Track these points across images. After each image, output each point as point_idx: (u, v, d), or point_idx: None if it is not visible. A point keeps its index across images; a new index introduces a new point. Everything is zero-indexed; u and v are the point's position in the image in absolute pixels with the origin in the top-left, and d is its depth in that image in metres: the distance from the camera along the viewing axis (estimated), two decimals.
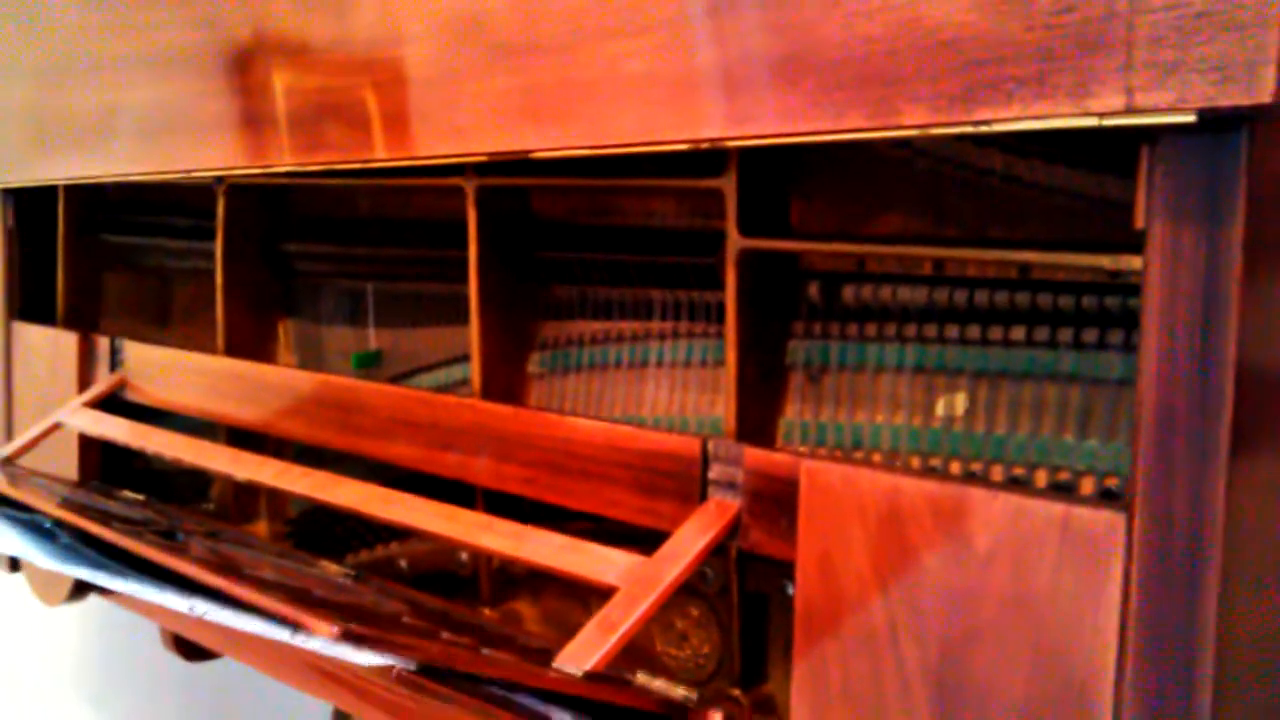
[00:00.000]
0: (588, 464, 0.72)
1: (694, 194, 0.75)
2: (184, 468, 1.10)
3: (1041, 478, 0.60)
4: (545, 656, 0.63)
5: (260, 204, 1.05)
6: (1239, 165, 0.46)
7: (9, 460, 1.09)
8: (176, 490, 1.17)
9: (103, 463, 1.17)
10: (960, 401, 0.64)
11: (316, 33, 0.83)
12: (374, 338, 1.00)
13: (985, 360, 0.63)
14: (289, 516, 1.07)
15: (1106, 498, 0.58)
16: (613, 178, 0.76)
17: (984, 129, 0.50)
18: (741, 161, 0.68)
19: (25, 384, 1.25)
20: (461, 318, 0.86)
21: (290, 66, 0.85)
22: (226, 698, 1.59)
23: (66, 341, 1.18)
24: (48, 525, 0.85)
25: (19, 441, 1.12)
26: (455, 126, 0.74)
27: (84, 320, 1.24)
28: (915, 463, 0.65)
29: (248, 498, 1.09)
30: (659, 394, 0.78)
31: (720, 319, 0.73)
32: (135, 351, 1.11)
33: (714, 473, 0.66)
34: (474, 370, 0.84)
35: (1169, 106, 0.45)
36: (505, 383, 0.85)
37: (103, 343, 1.14)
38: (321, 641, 0.59)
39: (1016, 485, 0.61)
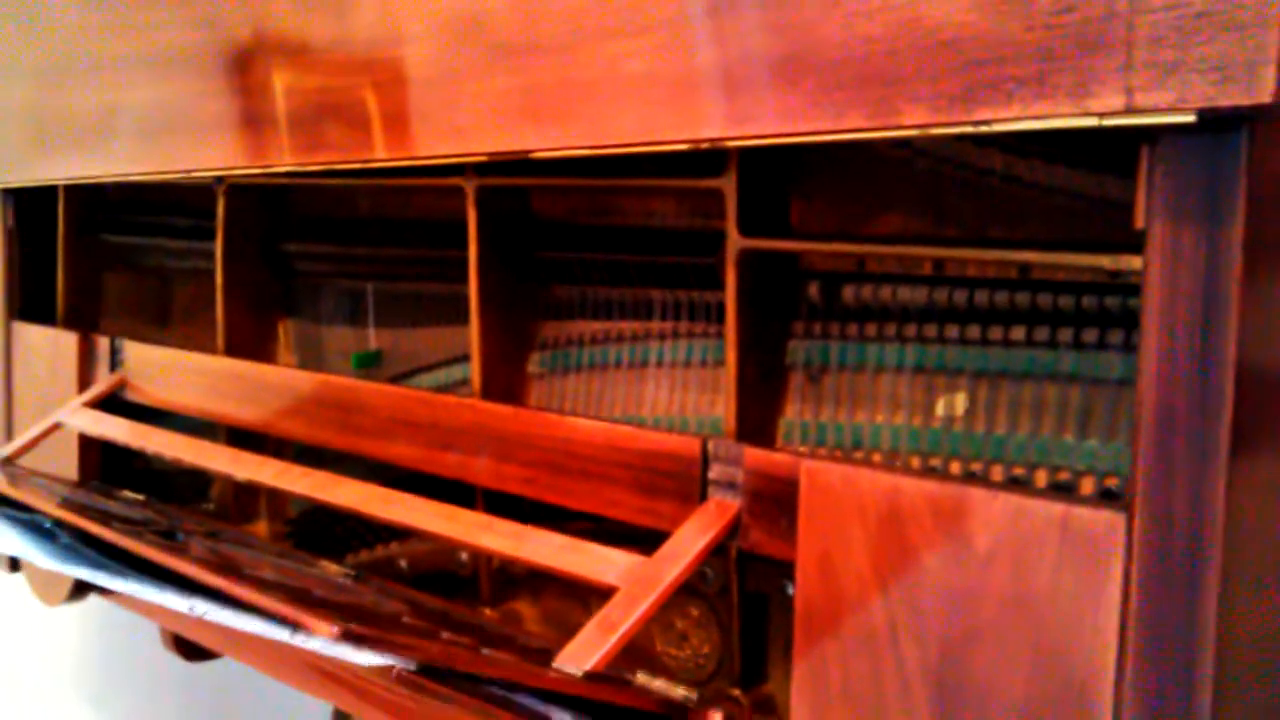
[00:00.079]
0: (588, 464, 0.72)
1: (694, 194, 0.75)
2: (184, 468, 1.10)
3: (1041, 478, 0.60)
4: (545, 656, 0.63)
5: (260, 204, 1.05)
6: (1239, 165, 0.46)
7: (9, 460, 1.09)
8: (176, 490, 1.17)
9: (103, 463, 1.17)
10: (960, 401, 0.64)
11: (316, 33, 0.83)
12: (374, 338, 1.00)
13: (985, 360, 0.63)
14: (289, 516, 1.07)
15: (1106, 498, 0.58)
16: (613, 178, 0.76)
17: (984, 129, 0.50)
18: (741, 161, 0.68)
19: (25, 384, 1.25)
20: (461, 318, 0.86)
21: (290, 66, 0.85)
22: (226, 698, 1.59)
23: (66, 341, 1.18)
24: (48, 525, 0.85)
25: (19, 441, 1.12)
26: (455, 126, 0.74)
27: (84, 320, 1.24)
28: (915, 463, 0.65)
29: (248, 498, 1.09)
30: (659, 394, 0.78)
31: (720, 319, 0.73)
32: (135, 351, 1.11)
33: (714, 473, 0.66)
34: (474, 370, 0.84)
35: (1169, 106, 0.45)
36: (505, 383, 0.85)
37: (103, 343, 1.14)
38: (321, 641, 0.59)
39: (1016, 485, 0.61)
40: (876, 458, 0.67)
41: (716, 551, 0.66)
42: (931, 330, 0.65)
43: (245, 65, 0.89)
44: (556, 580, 0.83)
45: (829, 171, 0.69)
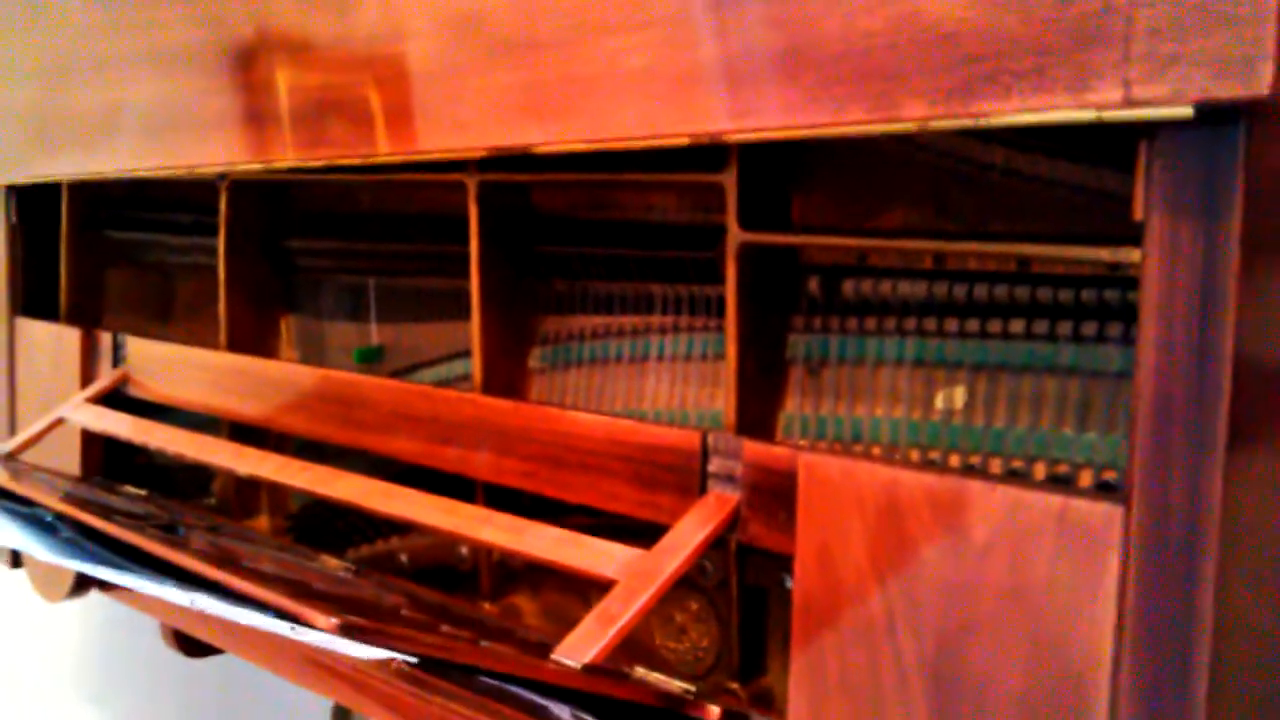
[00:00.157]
0: (587, 457, 0.72)
1: (695, 189, 0.76)
2: (186, 463, 1.11)
3: (1040, 471, 0.60)
4: (544, 650, 0.63)
5: (262, 200, 1.06)
6: (1237, 158, 0.46)
7: (12, 455, 1.10)
8: (178, 486, 1.17)
9: (105, 458, 1.17)
10: (959, 395, 0.64)
11: (319, 29, 0.83)
12: (376, 333, 1.00)
13: (984, 354, 0.63)
14: (290, 511, 1.07)
15: (1105, 490, 0.58)
16: (614, 173, 0.76)
17: (982, 123, 0.50)
18: (742, 156, 0.68)
19: (28, 380, 1.25)
20: (463, 313, 0.86)
21: (293, 63, 0.85)
22: (227, 695, 1.59)
23: (69, 337, 1.18)
24: (49, 519, 0.85)
25: (22, 437, 1.12)
26: (457, 122, 0.74)
27: (87, 316, 1.24)
28: (915, 456, 0.65)
29: (249, 493, 1.10)
30: (659, 388, 0.78)
31: (721, 313, 0.73)
32: (138, 347, 1.11)
33: (713, 466, 0.66)
34: (475, 365, 0.84)
35: (1166, 100, 0.45)
36: (506, 378, 0.85)
37: (105, 338, 1.14)
38: (320, 635, 0.59)
39: (1014, 478, 0.61)
40: (876, 451, 0.67)
41: (716, 545, 0.66)
42: (931, 324, 0.65)
43: (248, 62, 0.89)
44: (556, 574, 0.83)
45: (830, 166, 0.70)
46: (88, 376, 1.16)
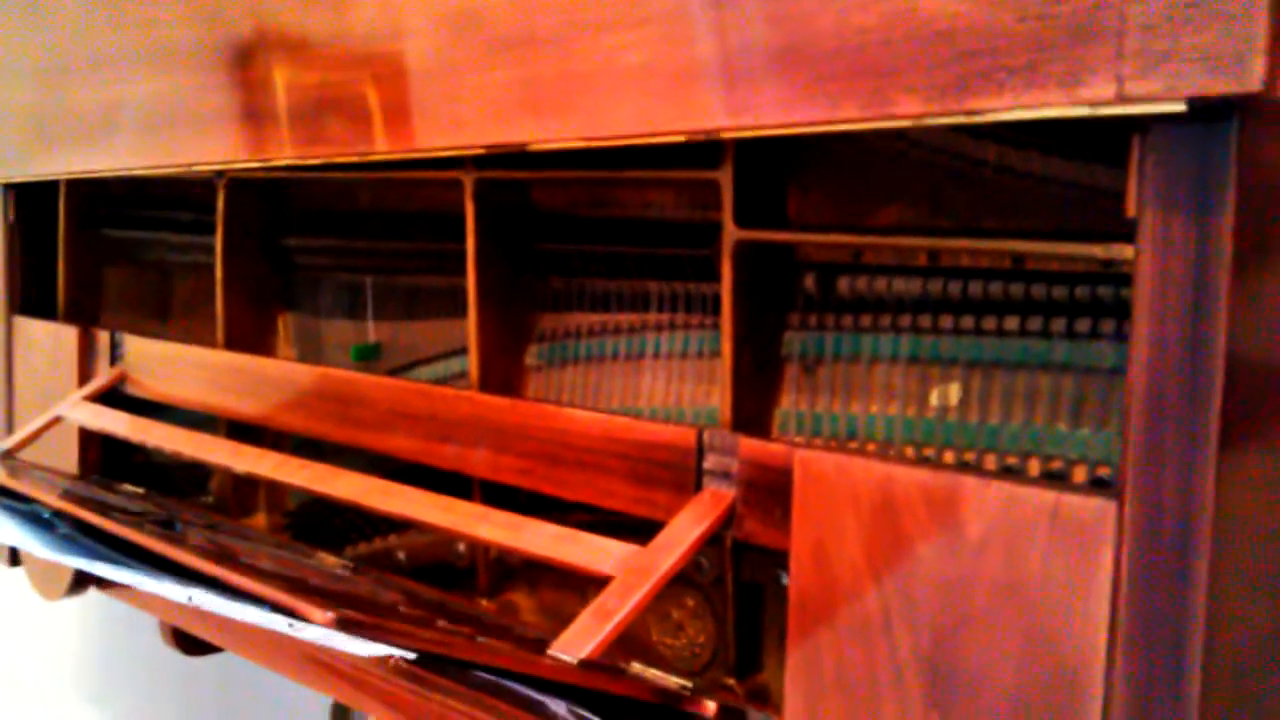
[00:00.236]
0: (583, 454, 0.73)
1: (691, 186, 0.76)
2: (183, 462, 1.11)
3: (1034, 467, 0.61)
4: (541, 646, 0.63)
5: (260, 198, 1.06)
6: (1229, 154, 0.46)
7: (10, 453, 1.10)
8: (176, 484, 1.17)
9: (103, 457, 1.17)
10: (954, 392, 0.64)
11: (316, 27, 0.83)
12: (373, 331, 1.00)
13: (979, 350, 0.63)
14: (287, 509, 1.08)
15: (1098, 486, 0.58)
16: (610, 170, 0.77)
17: (976, 119, 0.50)
18: (738, 153, 0.68)
19: (26, 378, 1.25)
20: (460, 311, 0.86)
21: (291, 61, 0.86)
22: (227, 694, 1.59)
23: (67, 336, 1.18)
24: (46, 515, 0.85)
25: (19, 435, 1.12)
26: (454, 119, 0.74)
27: (85, 314, 1.24)
28: (910, 453, 0.65)
29: (247, 491, 1.10)
30: (656, 385, 0.78)
31: (717, 311, 0.73)
32: (135, 345, 1.12)
33: (709, 463, 0.67)
34: (472, 363, 0.84)
35: (1159, 95, 0.45)
36: (503, 375, 0.85)
37: (103, 337, 1.15)
38: (318, 630, 0.59)
39: (1008, 474, 0.61)
40: (871, 448, 0.67)
41: (712, 541, 0.66)
42: (926, 321, 0.65)
43: (246, 59, 0.89)
44: (553, 571, 0.84)
45: (826, 164, 0.70)
46: (85, 375, 1.16)
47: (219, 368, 1.02)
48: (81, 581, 1.15)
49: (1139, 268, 0.49)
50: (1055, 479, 0.60)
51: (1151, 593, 0.49)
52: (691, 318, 0.77)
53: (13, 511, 0.86)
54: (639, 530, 0.67)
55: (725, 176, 0.68)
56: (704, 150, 0.68)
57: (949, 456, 0.64)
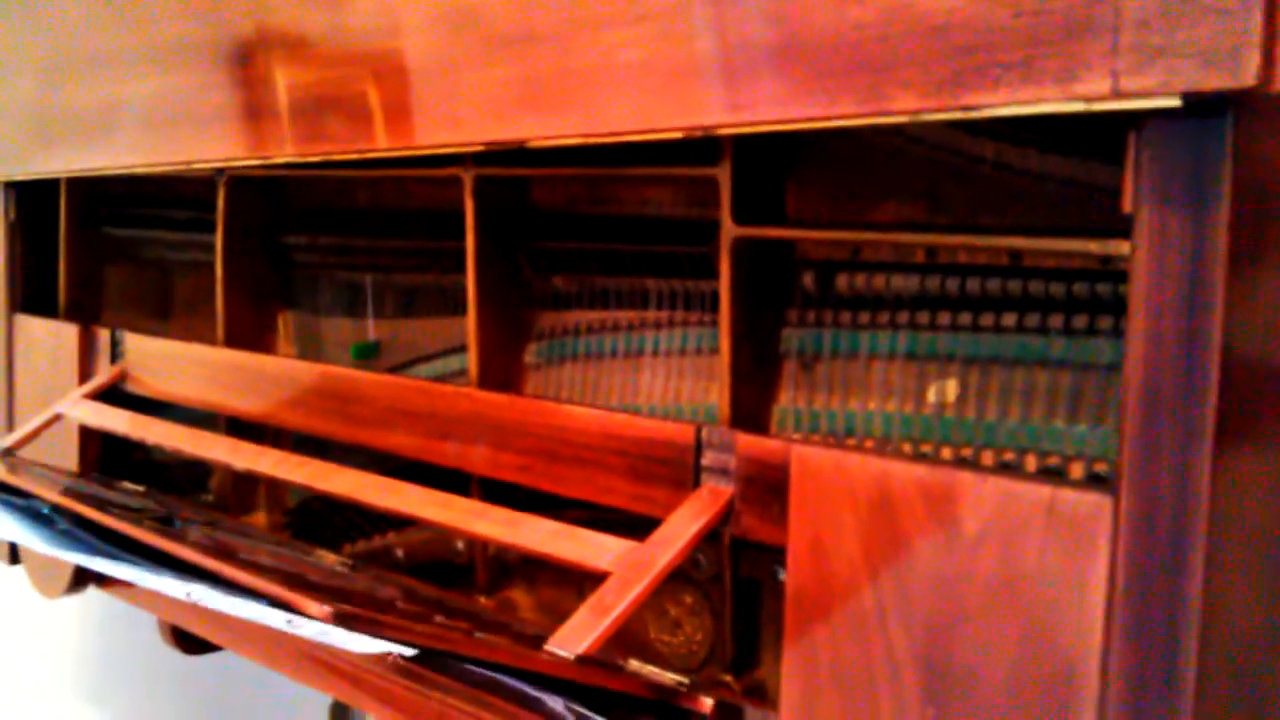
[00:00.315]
0: (582, 451, 0.73)
1: (690, 183, 0.76)
2: (183, 460, 1.11)
3: (1031, 463, 0.61)
4: (539, 642, 0.63)
5: (260, 196, 1.06)
6: (1225, 149, 0.46)
7: (9, 451, 1.10)
8: (176, 482, 1.18)
9: (103, 455, 1.18)
10: (951, 388, 0.64)
11: (316, 25, 0.83)
12: (373, 329, 1.00)
13: (976, 347, 0.63)
14: (287, 507, 1.08)
15: (1095, 482, 0.58)
16: (608, 167, 0.77)
17: (972, 114, 0.50)
18: (736, 150, 0.68)
19: (27, 376, 1.26)
20: (460, 309, 0.86)
21: (291, 58, 0.86)
22: (226, 693, 1.60)
23: (67, 334, 1.18)
24: (45, 510, 0.85)
25: (20, 433, 1.12)
26: (453, 116, 0.74)
27: (85, 313, 1.24)
28: (908, 449, 0.65)
29: (246, 488, 1.10)
30: (654, 383, 0.78)
31: (715, 308, 0.73)
32: (136, 343, 1.12)
33: (707, 459, 0.67)
34: (471, 360, 0.84)
35: (1154, 91, 0.45)
36: (502, 373, 0.85)
37: (103, 335, 1.15)
38: (316, 627, 0.59)
39: (1005, 469, 0.61)
40: (869, 444, 0.67)
41: (709, 538, 0.66)
42: (924, 318, 0.65)
43: (246, 57, 0.90)
44: (552, 568, 0.84)
45: (824, 161, 0.70)
46: (86, 373, 1.16)
47: (219, 365, 1.02)
48: (81, 580, 1.16)
49: (1134, 263, 0.49)
50: (1052, 475, 0.60)
51: (1147, 587, 0.49)
52: (690, 315, 0.77)
53: (12, 507, 0.86)
54: (637, 527, 0.68)
55: (723, 173, 0.68)
56: (702, 147, 0.69)
57: (946, 453, 0.64)
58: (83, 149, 1.10)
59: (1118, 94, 0.46)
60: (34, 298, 1.28)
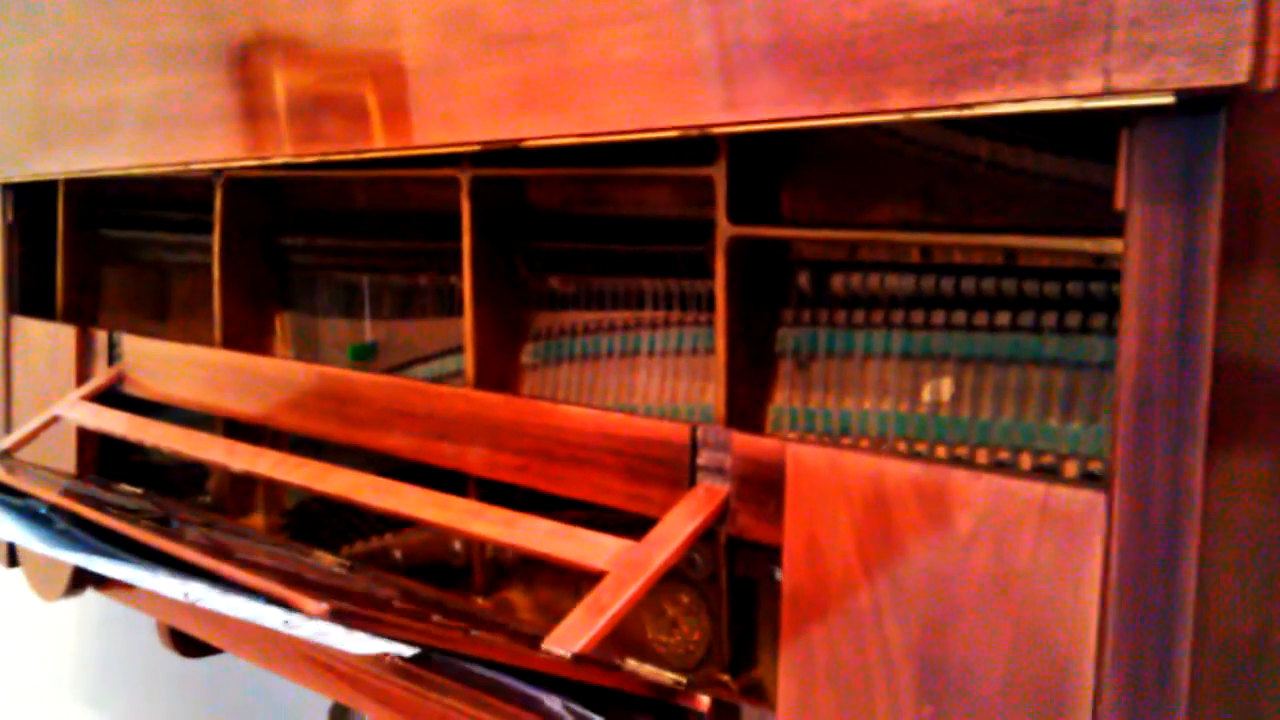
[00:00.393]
0: (578, 451, 0.73)
1: (685, 183, 0.76)
2: (181, 461, 1.11)
3: (1026, 461, 0.61)
4: (536, 641, 0.63)
5: (258, 197, 1.06)
6: (1217, 147, 0.47)
7: (8, 453, 1.10)
8: (174, 484, 1.18)
9: (101, 456, 1.18)
10: (946, 387, 0.64)
11: (314, 25, 0.83)
12: (370, 330, 1.01)
13: (971, 346, 0.63)
14: (285, 508, 1.08)
15: (1089, 480, 0.58)
16: (604, 167, 0.77)
17: (966, 112, 0.51)
18: (732, 149, 0.68)
19: (24, 378, 1.26)
20: (456, 310, 0.86)
21: (289, 59, 0.86)
22: (225, 695, 1.59)
23: (65, 335, 1.18)
24: (43, 511, 0.85)
25: (18, 434, 1.12)
26: (450, 116, 0.74)
27: (83, 314, 1.25)
28: (903, 448, 0.66)
29: (244, 490, 1.10)
30: (650, 382, 0.78)
31: (711, 307, 0.73)
32: (133, 345, 1.12)
33: (703, 458, 0.67)
34: (467, 361, 0.84)
35: (1146, 88, 0.46)
36: (499, 373, 0.85)
37: (101, 337, 1.15)
38: (314, 627, 0.59)
39: (1000, 468, 0.61)
40: (864, 443, 0.67)
41: (705, 538, 0.66)
42: (919, 317, 0.65)
43: (244, 58, 0.90)
44: (549, 569, 0.84)
45: (819, 161, 0.70)
46: (83, 374, 1.16)
47: (216, 367, 1.02)
48: (79, 582, 1.16)
49: (1127, 260, 0.49)
50: (1047, 474, 0.60)
51: (1140, 584, 0.49)
52: (686, 315, 0.77)
53: (10, 508, 0.86)
54: (634, 527, 0.68)
55: (719, 173, 0.69)
56: (698, 147, 0.69)
57: (941, 452, 0.64)
58: (80, 150, 1.10)
59: (1110, 91, 0.46)
60: (32, 299, 1.28)
